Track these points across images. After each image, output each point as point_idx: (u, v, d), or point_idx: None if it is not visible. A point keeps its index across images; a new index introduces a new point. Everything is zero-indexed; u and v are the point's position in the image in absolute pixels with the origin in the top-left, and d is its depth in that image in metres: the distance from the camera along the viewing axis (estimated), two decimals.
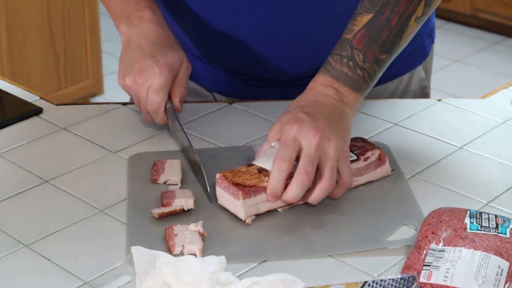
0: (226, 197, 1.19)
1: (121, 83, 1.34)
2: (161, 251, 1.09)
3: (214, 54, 1.50)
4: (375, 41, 1.25)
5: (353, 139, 1.27)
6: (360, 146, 1.27)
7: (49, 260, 1.12)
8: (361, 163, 1.24)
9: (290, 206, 1.21)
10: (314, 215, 1.20)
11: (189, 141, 1.27)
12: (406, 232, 1.16)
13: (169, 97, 1.34)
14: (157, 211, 1.18)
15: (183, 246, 1.11)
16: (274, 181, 1.15)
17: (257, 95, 1.52)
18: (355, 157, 1.24)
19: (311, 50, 1.44)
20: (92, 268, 1.10)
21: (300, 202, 1.20)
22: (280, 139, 1.19)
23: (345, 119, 1.23)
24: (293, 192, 1.15)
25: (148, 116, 1.35)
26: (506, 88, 1.56)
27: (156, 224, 1.17)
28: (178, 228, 1.14)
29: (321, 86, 1.25)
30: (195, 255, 1.10)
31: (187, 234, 1.13)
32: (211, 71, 1.53)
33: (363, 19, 1.25)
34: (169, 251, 1.11)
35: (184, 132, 1.28)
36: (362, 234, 1.16)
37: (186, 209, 1.19)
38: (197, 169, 1.24)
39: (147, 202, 1.22)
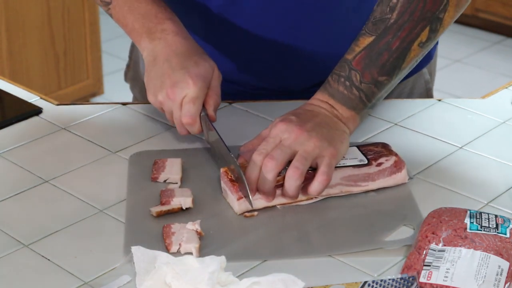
0: (226, 191, 1.22)
1: (152, 100, 1.29)
2: (161, 251, 1.09)
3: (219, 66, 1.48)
4: (374, 64, 1.25)
5: (373, 144, 1.29)
6: (376, 151, 1.27)
7: (49, 260, 1.11)
8: (372, 168, 1.24)
9: (288, 203, 1.21)
10: (313, 215, 1.20)
11: (229, 150, 1.22)
12: (405, 232, 1.16)
13: (203, 106, 1.28)
14: (156, 209, 1.18)
15: (180, 244, 1.11)
16: (248, 172, 1.19)
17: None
18: (366, 162, 1.24)
19: (315, 62, 1.44)
20: (92, 268, 1.10)
21: (303, 201, 1.21)
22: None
23: (337, 129, 1.24)
24: (262, 177, 1.18)
25: (183, 130, 1.29)
26: (506, 88, 1.56)
27: (154, 223, 1.17)
28: (175, 227, 1.14)
29: (317, 101, 1.28)
30: (191, 253, 1.10)
31: (185, 232, 1.13)
32: None
33: (365, 41, 1.26)
34: (166, 249, 1.11)
35: (223, 141, 1.24)
36: (362, 234, 1.16)
37: (184, 208, 1.19)
38: (238, 177, 1.20)
39: (147, 200, 1.22)
